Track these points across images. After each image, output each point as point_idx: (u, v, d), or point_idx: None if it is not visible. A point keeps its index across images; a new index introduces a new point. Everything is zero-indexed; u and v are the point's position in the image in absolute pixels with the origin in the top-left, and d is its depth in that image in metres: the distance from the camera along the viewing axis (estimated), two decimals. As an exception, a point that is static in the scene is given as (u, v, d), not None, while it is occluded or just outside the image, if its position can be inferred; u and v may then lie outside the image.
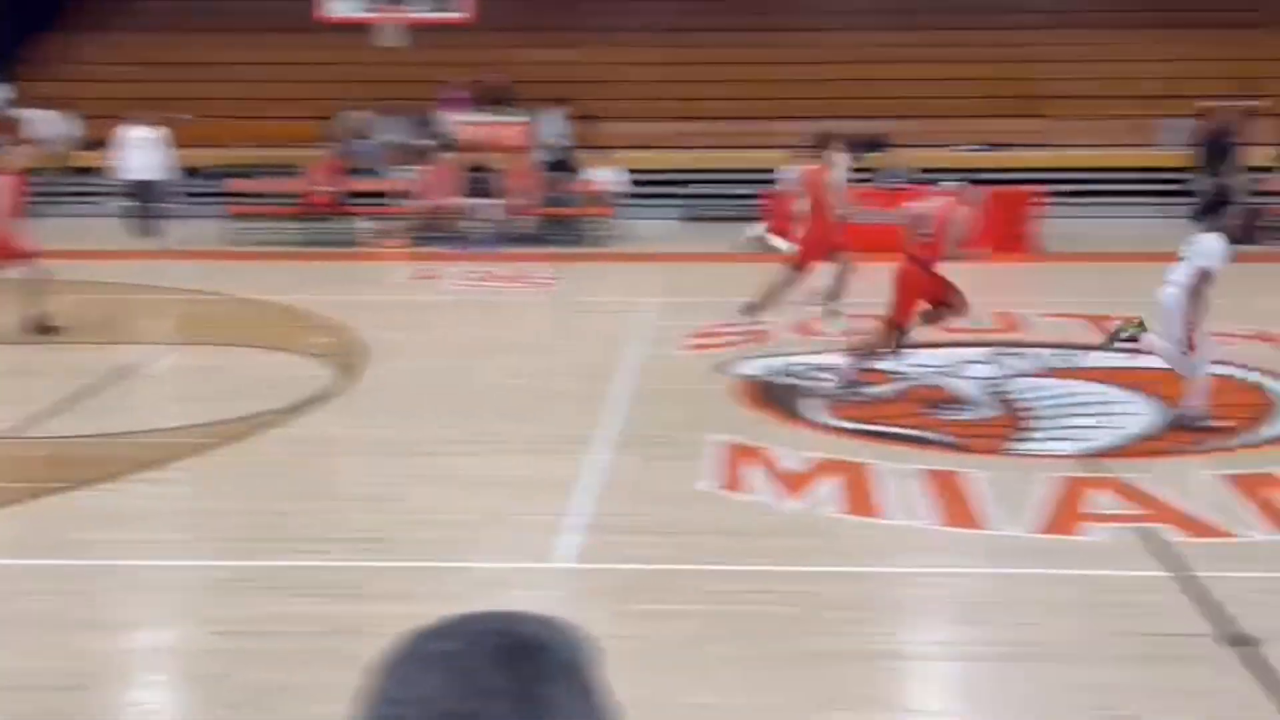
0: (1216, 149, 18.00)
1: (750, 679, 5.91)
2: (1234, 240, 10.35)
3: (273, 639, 6.32)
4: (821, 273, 13.79)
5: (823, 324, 13.29)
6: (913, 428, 9.92)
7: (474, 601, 4.80)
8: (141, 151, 19.70)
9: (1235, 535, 7.65)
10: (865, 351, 11.09)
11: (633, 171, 20.65)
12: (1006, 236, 18.14)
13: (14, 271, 12.91)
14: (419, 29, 22.18)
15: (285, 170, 20.91)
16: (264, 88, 24.12)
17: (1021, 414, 10.28)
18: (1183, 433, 9.61)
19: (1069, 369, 11.62)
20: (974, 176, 19.70)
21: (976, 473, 8.73)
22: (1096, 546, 7.52)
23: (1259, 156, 19.09)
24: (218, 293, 15.56)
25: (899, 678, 6.30)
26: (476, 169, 19.91)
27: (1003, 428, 9.95)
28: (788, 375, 11.50)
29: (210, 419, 10.01)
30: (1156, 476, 8.62)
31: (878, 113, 22.25)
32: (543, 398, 10.80)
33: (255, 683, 5.88)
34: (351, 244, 19.43)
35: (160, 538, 7.89)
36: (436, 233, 19.38)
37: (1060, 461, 9.06)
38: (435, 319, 14.78)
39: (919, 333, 11.38)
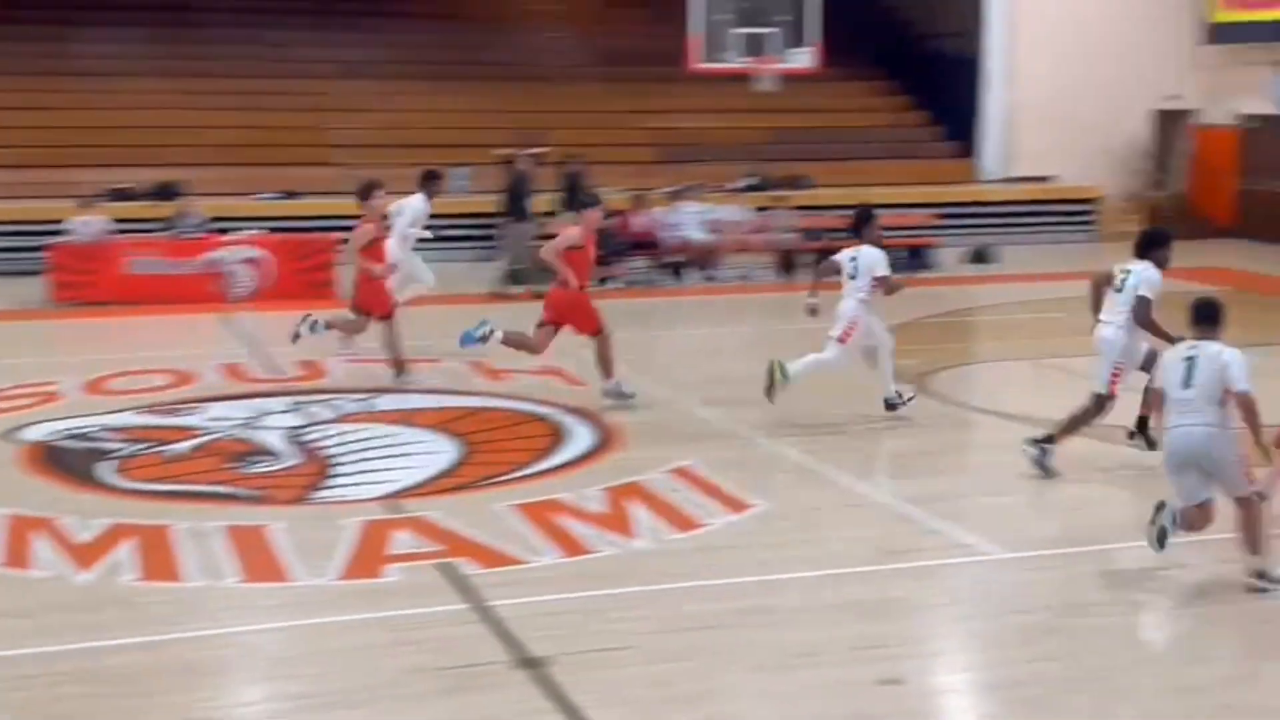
0: (516, 195, 19.06)
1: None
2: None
3: None
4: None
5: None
6: (213, 484, 9.68)
7: None
8: None
9: (527, 561, 8.08)
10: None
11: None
12: (305, 284, 18.22)
13: None
14: None
15: None
16: None
17: (325, 461, 10.32)
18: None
19: (370, 413, 11.80)
20: (273, 225, 19.81)
21: (280, 524, 8.66)
22: (399, 586, 7.68)
23: (544, 203, 20.40)
24: None
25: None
26: None
27: (307, 476, 9.93)
28: (78, 438, 10.86)
29: None
30: (453, 511, 8.93)
31: (171, 161, 21.68)
32: None
33: None
34: None
35: None
36: None
37: (363, 506, 9.17)
38: None
39: (220, 386, 11.14)
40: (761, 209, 21.39)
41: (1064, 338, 14.04)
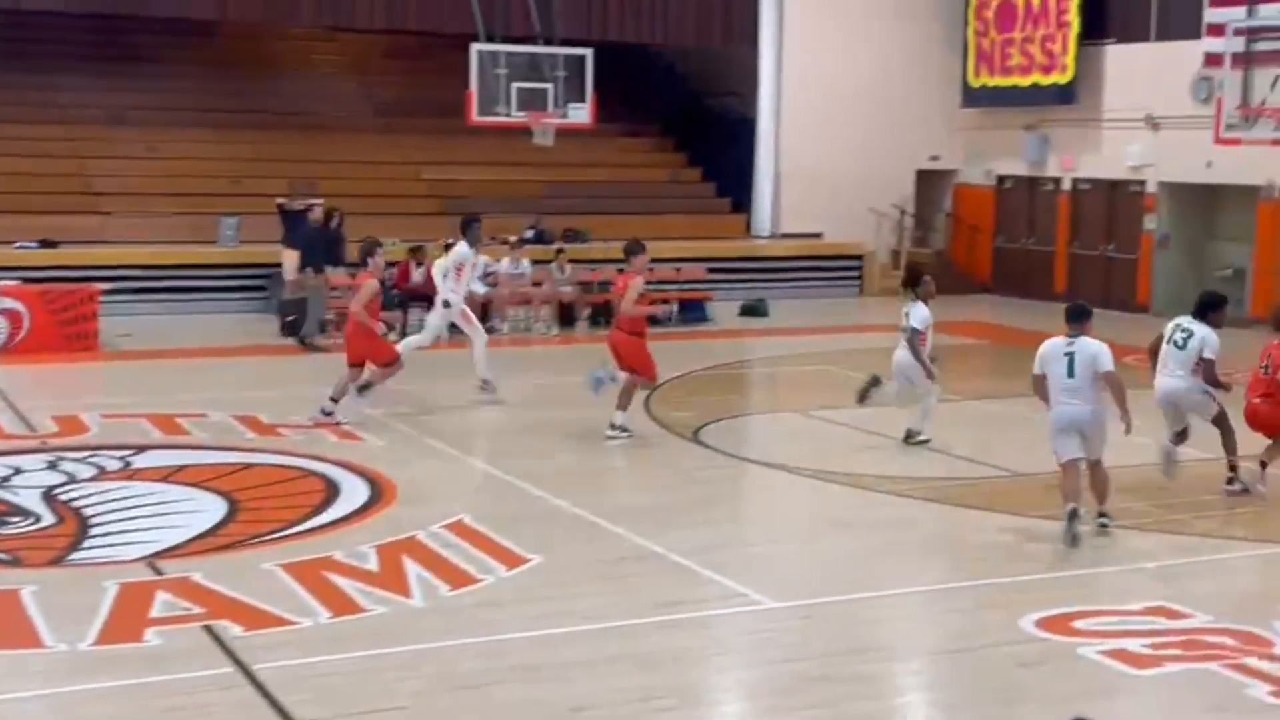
0: (313, 245, 18.71)
1: None
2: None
3: None
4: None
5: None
6: (-38, 546, 9.20)
7: None
8: None
9: (295, 622, 7.87)
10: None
11: None
12: (66, 336, 17.54)
13: None
14: None
15: None
16: None
17: (83, 521, 9.90)
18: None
19: (132, 471, 11.39)
20: (31, 275, 19.01)
21: (34, 588, 8.27)
22: (161, 651, 7.39)
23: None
24: None
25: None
26: None
27: (64, 537, 9.51)
28: None
29: None
30: (218, 571, 8.66)
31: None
32: None
33: None
34: None
35: None
36: None
37: (123, 567, 8.82)
38: None
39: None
40: (540, 262, 21.46)
41: (832, 390, 14.43)
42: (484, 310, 20.48)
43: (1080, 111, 24.84)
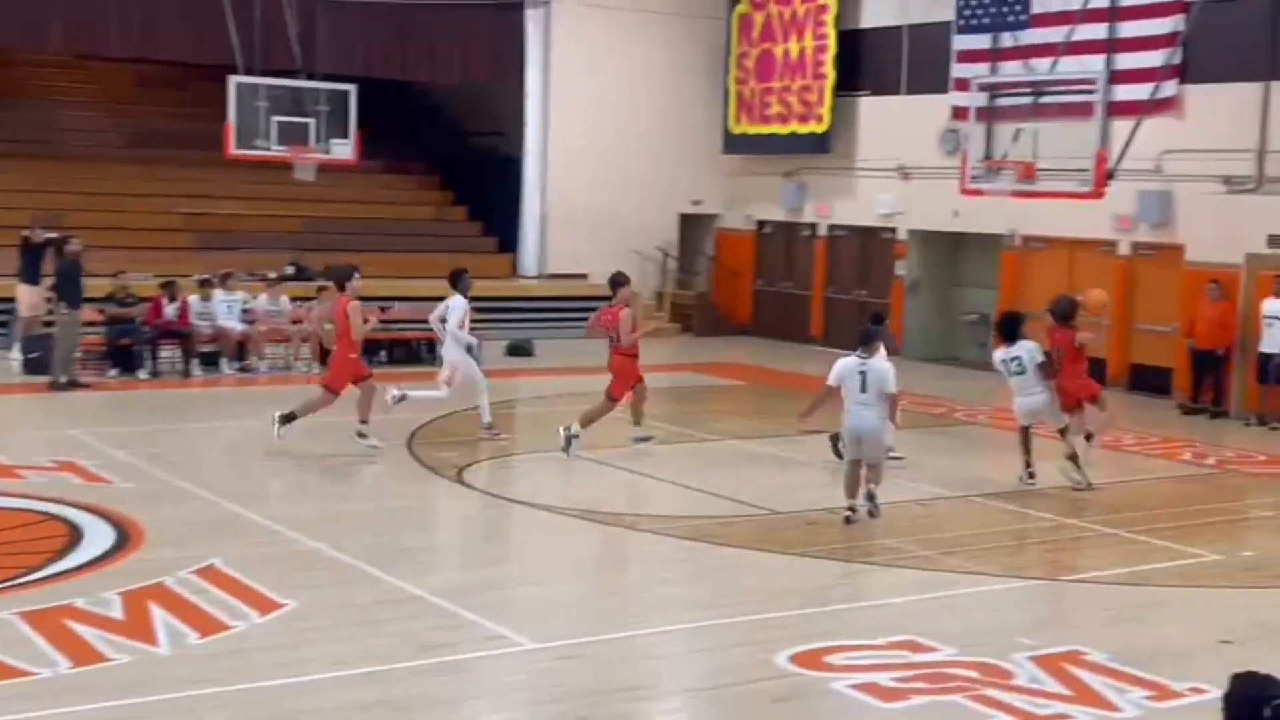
0: (68, 280, 17.81)
1: None
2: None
3: None
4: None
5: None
6: None
7: None
8: None
9: (34, 673, 7.49)
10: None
11: None
12: None
13: None
14: None
15: None
16: None
17: None
18: None
19: None
20: None
21: None
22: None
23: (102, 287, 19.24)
24: None
25: None
26: None
27: None
28: None
29: None
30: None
31: None
32: None
33: None
34: None
35: None
36: None
37: None
38: None
39: None
40: (300, 299, 21.03)
41: (596, 430, 14.51)
42: (240, 348, 20.00)
43: (835, 160, 25.66)
